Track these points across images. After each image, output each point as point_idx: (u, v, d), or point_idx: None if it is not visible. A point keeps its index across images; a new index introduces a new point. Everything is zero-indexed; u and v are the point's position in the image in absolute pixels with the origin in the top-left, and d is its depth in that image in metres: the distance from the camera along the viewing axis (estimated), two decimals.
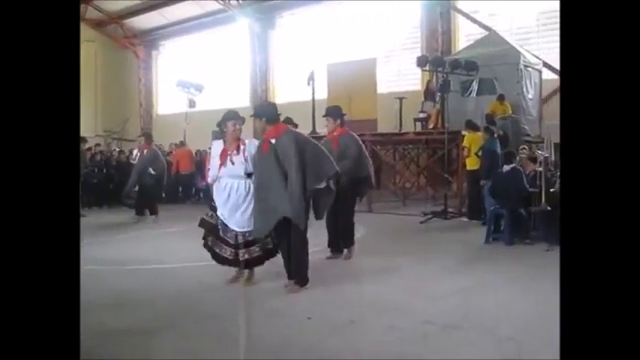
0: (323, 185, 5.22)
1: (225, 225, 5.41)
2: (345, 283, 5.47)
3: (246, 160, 5.37)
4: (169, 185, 12.84)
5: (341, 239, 6.58)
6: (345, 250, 6.57)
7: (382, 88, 15.59)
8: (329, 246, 6.59)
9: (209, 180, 5.65)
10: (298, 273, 5.19)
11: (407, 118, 13.78)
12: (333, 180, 5.30)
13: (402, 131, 13.21)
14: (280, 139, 5.12)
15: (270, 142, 5.13)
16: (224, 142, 5.49)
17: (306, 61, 17.75)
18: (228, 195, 5.35)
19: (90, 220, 10.96)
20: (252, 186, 5.30)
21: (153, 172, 10.53)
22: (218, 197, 5.44)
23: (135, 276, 6.11)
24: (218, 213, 5.45)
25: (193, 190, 15.31)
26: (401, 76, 17.26)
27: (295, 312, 4.55)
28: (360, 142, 6.66)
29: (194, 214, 8.62)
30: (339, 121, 6.64)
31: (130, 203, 11.35)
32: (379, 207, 11.36)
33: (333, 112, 6.75)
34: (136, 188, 10.83)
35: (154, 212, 10.60)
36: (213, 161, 5.51)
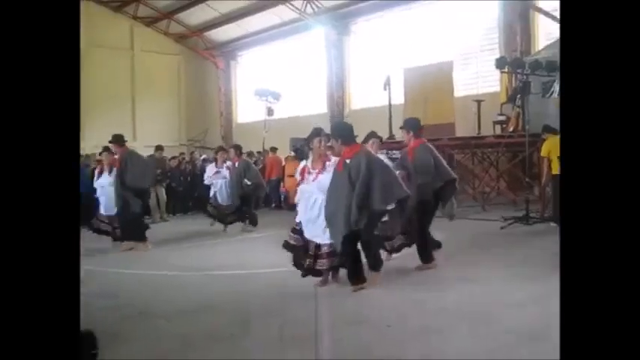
0: (391, 207, 5.44)
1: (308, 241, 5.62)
2: (424, 290, 5.48)
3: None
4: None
5: (420, 251, 6.50)
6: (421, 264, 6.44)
7: (460, 91, 15.36)
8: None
9: (296, 200, 5.91)
10: (374, 262, 5.61)
11: (485, 121, 13.51)
12: (404, 202, 5.52)
13: (481, 134, 12.97)
14: (354, 159, 5.34)
15: (345, 162, 5.37)
16: (307, 159, 5.81)
17: (382, 67, 17.76)
18: (313, 208, 5.58)
19: (173, 225, 11.50)
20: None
21: (248, 182, 10.50)
22: (303, 211, 5.68)
23: (216, 281, 6.39)
24: (303, 226, 5.66)
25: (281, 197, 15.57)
26: (479, 78, 16.91)
27: (374, 319, 4.61)
28: (433, 151, 6.60)
29: (276, 221, 8.82)
30: (412, 133, 6.62)
31: (213, 213, 10.98)
32: (458, 212, 11.14)
33: (407, 125, 6.79)
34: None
35: (253, 223, 10.62)
36: (299, 177, 5.80)
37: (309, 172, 5.71)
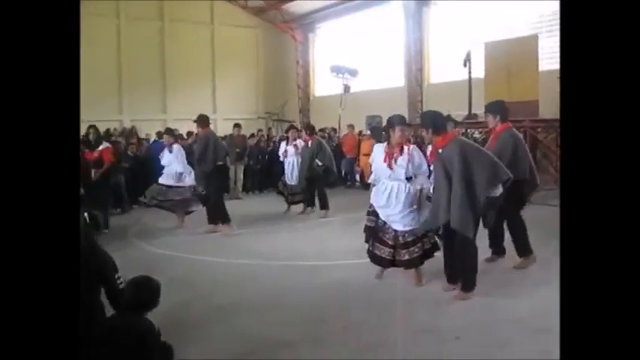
0: (499, 193, 5.10)
1: (385, 225, 5.58)
2: (497, 295, 5.28)
3: (409, 162, 5.47)
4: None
5: (515, 247, 6.33)
6: (521, 259, 6.26)
7: (545, 64, 14.58)
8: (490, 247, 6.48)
9: (370, 180, 5.88)
10: (465, 279, 5.24)
11: None
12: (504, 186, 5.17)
13: None
14: (446, 148, 5.14)
15: (438, 152, 5.19)
16: (387, 145, 5.62)
17: (463, 40, 17.11)
18: (388, 197, 5.48)
19: (246, 204, 11.70)
20: (411, 189, 5.53)
21: (319, 163, 10.37)
22: (377, 199, 5.63)
23: (293, 273, 6.42)
24: (379, 214, 5.62)
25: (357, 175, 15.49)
26: None
27: (442, 328, 4.50)
28: (518, 140, 6.27)
29: (352, 201, 8.66)
30: (498, 117, 6.30)
31: (282, 191, 11.08)
32: (537, 197, 10.72)
33: (492, 109, 6.50)
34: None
35: (324, 207, 10.44)
36: (375, 164, 5.71)
37: (392, 158, 5.61)
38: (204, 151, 8.68)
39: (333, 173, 10.94)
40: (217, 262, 7.03)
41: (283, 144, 11.21)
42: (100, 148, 9.10)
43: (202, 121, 9.08)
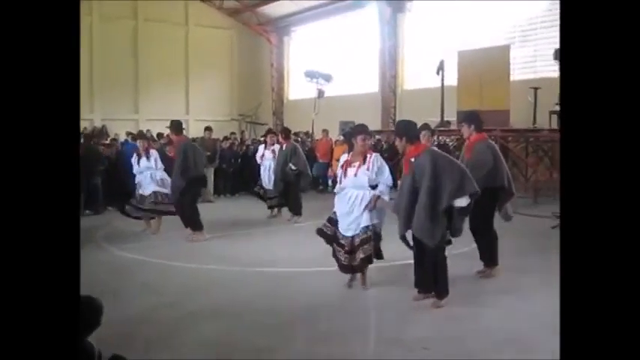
0: (465, 203, 5.12)
1: (342, 233, 5.66)
2: (460, 305, 5.32)
3: (368, 170, 5.52)
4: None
5: (481, 255, 6.39)
6: (486, 270, 6.36)
7: (517, 74, 14.82)
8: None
9: (335, 190, 5.91)
10: (437, 288, 5.28)
11: (542, 110, 13.04)
12: (472, 199, 5.21)
13: (536, 127, 12.53)
14: (419, 158, 5.17)
15: (410, 162, 5.23)
16: (350, 153, 5.71)
17: (437, 47, 17.30)
18: (352, 204, 5.57)
19: (218, 208, 11.61)
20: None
21: (293, 167, 10.24)
22: (341, 206, 5.66)
23: (255, 279, 6.39)
24: (339, 220, 5.71)
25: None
26: (538, 57, 16.16)
27: (410, 340, 4.52)
28: (495, 151, 6.35)
29: (325, 206, 8.75)
30: (473, 127, 6.36)
31: (259, 193, 11.04)
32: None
33: (466, 118, 6.56)
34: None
35: (297, 213, 10.35)
36: (340, 172, 5.77)
37: (351, 167, 5.71)
38: (186, 163, 8.46)
39: (307, 177, 10.76)
40: (188, 268, 6.97)
41: (261, 147, 11.19)
42: None
43: (176, 128, 8.82)
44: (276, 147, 10.63)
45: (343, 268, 5.83)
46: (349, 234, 5.69)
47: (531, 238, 8.62)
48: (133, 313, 5.14)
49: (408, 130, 5.40)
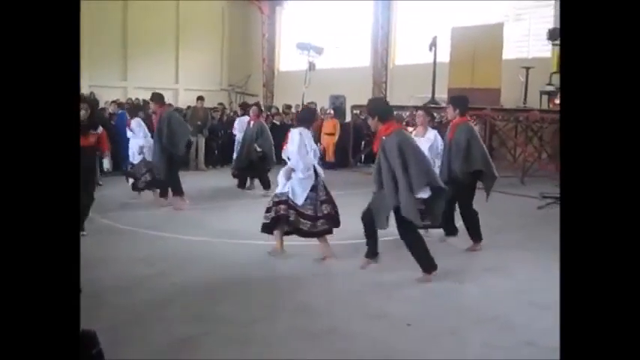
0: (426, 195, 5.24)
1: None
2: (446, 281, 5.37)
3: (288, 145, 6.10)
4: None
5: (469, 234, 6.62)
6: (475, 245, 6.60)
7: (509, 52, 14.74)
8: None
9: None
10: (422, 264, 5.38)
11: (533, 90, 13.03)
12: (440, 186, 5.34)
13: (527, 107, 12.51)
14: (388, 137, 5.20)
15: (381, 139, 5.23)
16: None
17: (430, 23, 17.18)
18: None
19: (209, 178, 11.55)
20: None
21: (258, 148, 10.07)
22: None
23: (236, 250, 6.39)
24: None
25: None
26: (531, 37, 16.10)
27: (395, 315, 4.56)
28: (472, 133, 6.49)
29: None
30: (458, 111, 6.56)
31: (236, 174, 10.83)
32: (496, 183, 10.90)
33: (454, 102, 6.75)
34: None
35: (266, 186, 10.06)
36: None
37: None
38: (172, 135, 8.39)
39: (270, 161, 10.26)
40: (170, 238, 6.96)
41: (244, 118, 11.05)
42: (97, 131, 6.69)
43: (158, 100, 8.68)
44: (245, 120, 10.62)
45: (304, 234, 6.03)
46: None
47: (518, 216, 8.69)
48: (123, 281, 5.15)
49: (380, 109, 5.49)
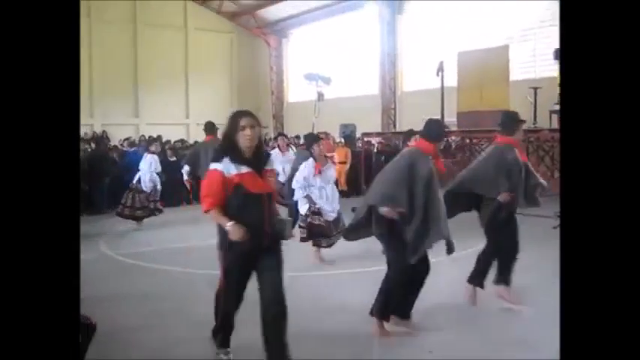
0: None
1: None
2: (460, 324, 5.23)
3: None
4: None
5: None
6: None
7: (516, 73, 14.79)
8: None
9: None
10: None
11: (542, 109, 13.02)
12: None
13: (537, 127, 12.50)
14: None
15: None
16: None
17: (436, 47, 17.30)
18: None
19: None
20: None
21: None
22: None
23: None
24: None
25: None
26: (537, 57, 16.17)
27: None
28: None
29: None
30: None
31: None
32: None
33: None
34: None
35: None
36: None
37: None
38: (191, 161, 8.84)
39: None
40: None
41: (275, 151, 11.08)
42: None
43: (208, 128, 8.90)
44: (291, 153, 10.54)
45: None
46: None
47: (532, 237, 8.54)
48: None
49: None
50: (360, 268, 6.57)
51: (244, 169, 3.55)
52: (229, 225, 3.47)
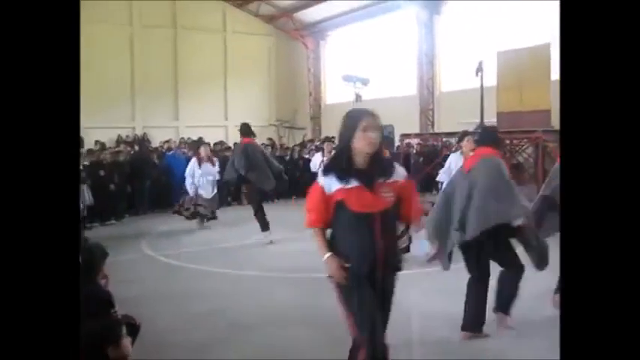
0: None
1: None
2: None
3: None
4: None
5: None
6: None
7: (558, 72, 14.50)
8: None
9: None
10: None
11: None
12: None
13: None
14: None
15: None
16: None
17: (474, 47, 17.09)
18: None
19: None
20: None
21: None
22: None
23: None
24: None
25: None
26: None
27: None
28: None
29: None
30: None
31: None
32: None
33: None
34: None
35: None
36: None
37: None
38: (241, 161, 9.15)
39: None
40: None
41: (318, 155, 11.17)
42: None
43: (244, 131, 9.59)
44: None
45: None
46: None
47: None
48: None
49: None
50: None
51: (352, 183, 2.97)
52: (325, 257, 3.00)
